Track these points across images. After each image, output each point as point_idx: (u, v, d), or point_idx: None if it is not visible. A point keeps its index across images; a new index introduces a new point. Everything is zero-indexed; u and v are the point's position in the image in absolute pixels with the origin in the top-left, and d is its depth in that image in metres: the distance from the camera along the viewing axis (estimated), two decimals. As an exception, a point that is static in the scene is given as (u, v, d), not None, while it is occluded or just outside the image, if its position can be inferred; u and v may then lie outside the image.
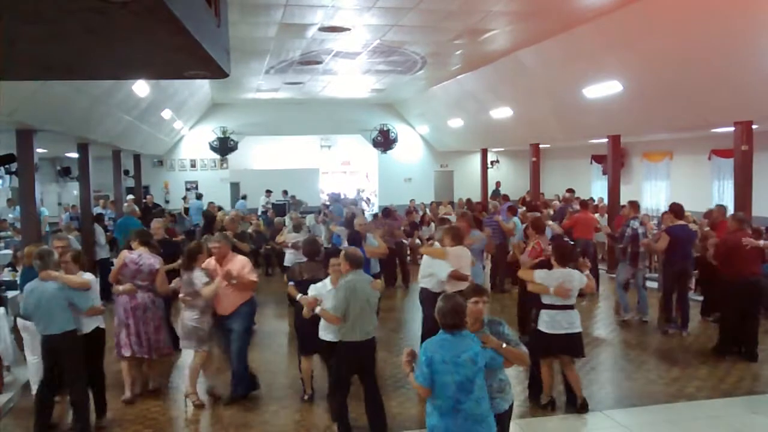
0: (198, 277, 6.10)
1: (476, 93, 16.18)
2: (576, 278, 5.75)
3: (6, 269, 9.06)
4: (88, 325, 5.62)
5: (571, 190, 14.97)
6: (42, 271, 5.41)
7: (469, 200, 16.57)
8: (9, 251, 10.99)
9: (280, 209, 17.24)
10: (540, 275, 5.82)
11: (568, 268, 5.80)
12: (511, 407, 4.09)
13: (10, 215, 15.26)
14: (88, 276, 5.66)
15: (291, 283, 6.30)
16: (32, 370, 6.38)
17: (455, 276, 6.41)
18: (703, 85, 9.38)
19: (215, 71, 2.57)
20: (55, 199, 19.91)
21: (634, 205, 10.25)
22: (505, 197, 14.76)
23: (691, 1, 8.34)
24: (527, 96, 14.35)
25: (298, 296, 5.87)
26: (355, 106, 21.86)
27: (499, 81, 14.55)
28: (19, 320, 6.38)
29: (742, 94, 9.08)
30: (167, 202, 20.31)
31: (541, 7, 9.41)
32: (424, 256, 7.04)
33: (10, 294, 7.75)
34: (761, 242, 7.56)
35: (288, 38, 11.24)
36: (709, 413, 5.95)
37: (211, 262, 6.36)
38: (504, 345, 3.90)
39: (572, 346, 5.81)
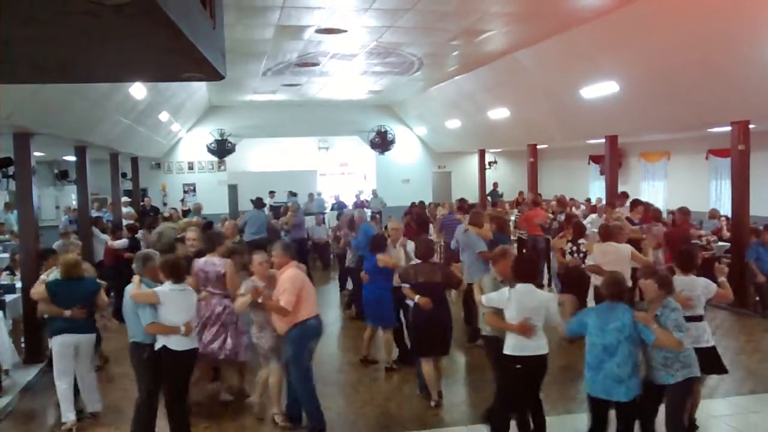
0: (246, 285, 5.58)
1: (473, 94, 16.20)
2: (700, 286, 5.11)
3: (4, 273, 9.06)
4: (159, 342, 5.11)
5: (624, 194, 12.16)
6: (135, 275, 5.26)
7: (422, 202, 16.11)
8: (6, 255, 11.00)
9: (277, 212, 17.17)
10: None
11: (692, 275, 5.20)
12: (679, 384, 4.41)
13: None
14: (162, 287, 5.08)
15: (406, 285, 6.16)
16: (65, 395, 5.83)
17: (592, 269, 7.41)
18: (699, 85, 9.39)
19: (211, 73, 2.57)
20: (53, 203, 19.87)
21: (561, 201, 12.29)
22: (462, 201, 14.84)
23: (687, 1, 8.35)
24: (524, 97, 14.37)
25: (416, 297, 5.95)
26: (353, 108, 21.86)
27: (497, 82, 14.56)
28: (67, 338, 5.78)
29: (739, 94, 9.10)
30: (165, 204, 20.30)
31: (538, 8, 9.41)
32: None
33: (9, 298, 7.75)
34: (701, 232, 8.51)
35: (285, 40, 11.25)
36: (708, 414, 5.95)
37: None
38: (656, 325, 4.30)
39: (703, 361, 4.83)
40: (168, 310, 4.99)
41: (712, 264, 7.77)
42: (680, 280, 5.07)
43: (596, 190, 18.54)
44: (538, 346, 4.79)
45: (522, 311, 4.75)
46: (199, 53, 2.20)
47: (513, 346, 4.80)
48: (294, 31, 10.55)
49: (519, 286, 4.83)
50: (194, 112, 19.77)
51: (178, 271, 5.11)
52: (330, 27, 10.28)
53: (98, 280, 6.18)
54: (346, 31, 10.57)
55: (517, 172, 21.96)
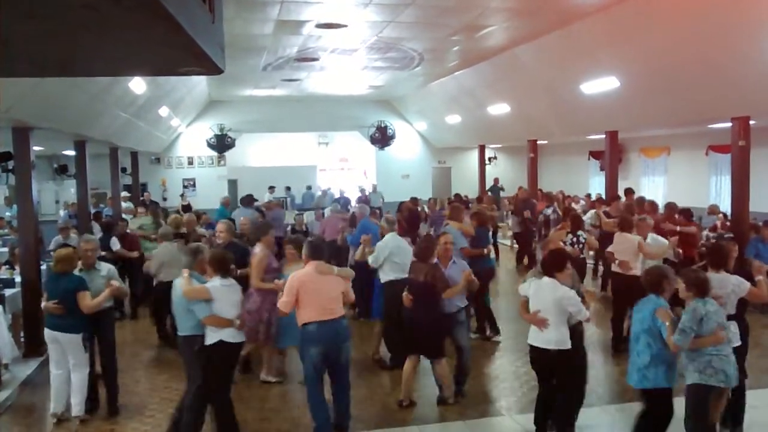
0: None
1: (474, 89, 16.18)
2: (731, 284, 4.95)
3: (4, 267, 9.06)
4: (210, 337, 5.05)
5: (630, 191, 12.38)
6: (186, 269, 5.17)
7: (414, 199, 15.60)
8: (5, 249, 10.99)
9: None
10: None
11: (723, 272, 5.02)
12: (690, 387, 4.44)
13: (8, 213, 15.24)
14: (212, 283, 5.05)
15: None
16: (54, 384, 5.83)
17: (608, 256, 8.10)
18: (700, 81, 9.38)
19: (210, 67, 2.57)
20: (53, 197, 19.87)
21: (546, 197, 13.85)
22: (457, 196, 14.82)
23: (688, -4, 8.34)
24: (525, 92, 14.35)
25: (404, 293, 5.94)
26: (353, 103, 21.84)
27: (497, 77, 14.54)
28: (48, 332, 5.75)
29: (739, 90, 9.08)
30: (165, 199, 20.30)
31: (538, 4, 9.39)
32: None
33: (8, 292, 7.75)
34: (685, 228, 9.06)
35: (284, 35, 11.22)
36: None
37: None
38: (668, 323, 4.36)
39: None
40: (220, 305, 4.97)
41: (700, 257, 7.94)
42: (711, 278, 4.83)
43: (596, 185, 18.51)
44: (547, 340, 4.89)
45: (534, 303, 5.00)
46: (198, 47, 2.20)
47: (529, 335, 5.11)
48: (294, 25, 10.52)
49: (543, 279, 5.00)
50: (194, 106, 19.75)
51: (225, 266, 5.10)
52: (330, 22, 10.26)
53: (82, 279, 5.83)
54: (346, 26, 10.55)
55: (517, 168, 21.91)
